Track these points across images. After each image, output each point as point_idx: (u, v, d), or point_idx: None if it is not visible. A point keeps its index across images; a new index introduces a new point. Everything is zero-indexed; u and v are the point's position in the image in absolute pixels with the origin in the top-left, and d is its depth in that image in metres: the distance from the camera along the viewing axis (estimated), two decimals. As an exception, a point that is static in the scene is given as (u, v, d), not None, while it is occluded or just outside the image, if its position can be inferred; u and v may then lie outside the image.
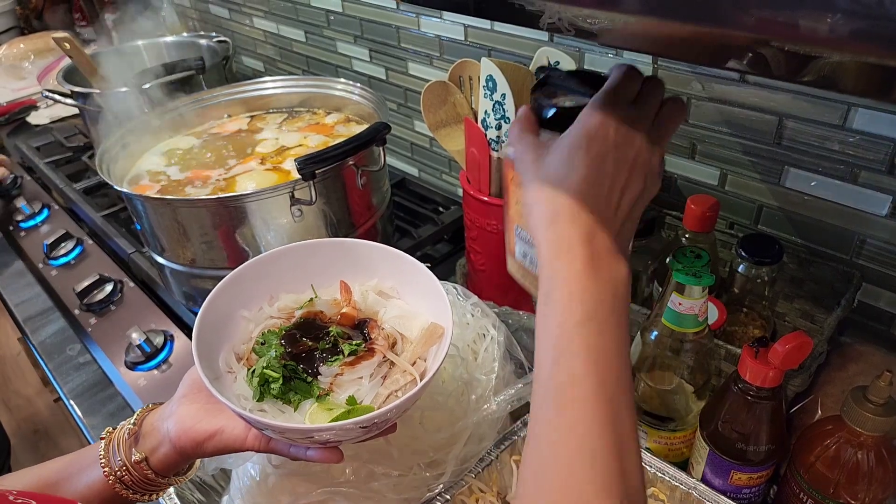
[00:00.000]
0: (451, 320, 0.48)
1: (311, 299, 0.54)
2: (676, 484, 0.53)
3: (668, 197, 0.83)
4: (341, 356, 0.49)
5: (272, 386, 0.47)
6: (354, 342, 0.50)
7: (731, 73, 0.69)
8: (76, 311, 0.99)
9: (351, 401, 0.47)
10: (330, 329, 0.52)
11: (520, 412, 0.63)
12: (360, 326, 0.53)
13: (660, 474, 0.54)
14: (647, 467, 0.55)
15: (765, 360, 0.48)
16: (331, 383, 0.48)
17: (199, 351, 0.46)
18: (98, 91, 1.04)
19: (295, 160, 0.67)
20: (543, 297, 0.35)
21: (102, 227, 1.12)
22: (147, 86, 0.99)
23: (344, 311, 0.53)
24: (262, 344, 0.51)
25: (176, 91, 1.01)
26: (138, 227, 0.88)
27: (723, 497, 0.51)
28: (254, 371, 0.48)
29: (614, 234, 0.35)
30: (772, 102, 0.67)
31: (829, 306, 0.68)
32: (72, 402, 0.87)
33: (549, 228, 0.35)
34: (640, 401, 0.60)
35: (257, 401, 0.47)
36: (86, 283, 0.98)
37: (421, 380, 0.47)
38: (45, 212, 1.22)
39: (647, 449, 0.60)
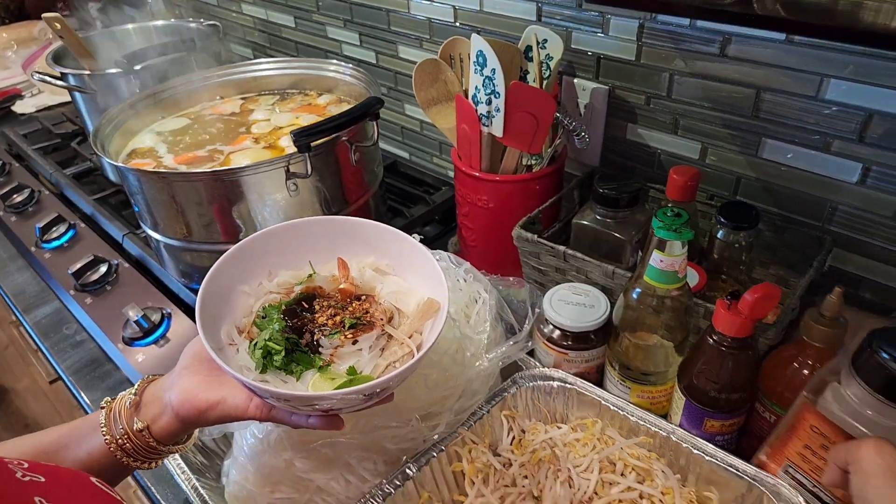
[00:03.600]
0: (447, 297, 0.50)
1: (310, 275, 0.56)
2: (656, 430, 0.57)
3: (652, 171, 0.86)
4: (341, 329, 0.51)
5: (275, 358, 0.49)
6: (354, 316, 0.52)
7: (712, 49, 0.72)
8: (71, 292, 1.00)
9: (351, 371, 0.49)
10: (330, 303, 0.54)
11: (510, 371, 0.65)
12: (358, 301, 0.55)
13: (642, 422, 0.58)
14: (630, 417, 0.59)
15: (736, 311, 0.51)
16: (331, 355, 0.50)
17: (202, 323, 0.48)
18: (89, 73, 1.04)
19: (291, 132, 0.69)
20: None
21: (95, 210, 1.13)
22: (139, 67, 1.00)
23: (342, 286, 0.55)
24: (264, 318, 0.53)
25: (167, 73, 1.02)
26: (135, 209, 0.89)
27: (698, 438, 0.54)
28: (256, 343, 0.50)
29: None
30: (750, 76, 0.70)
31: (802, 271, 0.71)
32: (70, 378, 0.88)
33: None
34: (623, 357, 0.63)
35: (260, 372, 0.49)
36: (81, 264, 0.99)
37: (418, 352, 0.49)
38: (36, 197, 1.22)
39: (632, 403, 0.63)
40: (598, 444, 0.59)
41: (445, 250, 0.97)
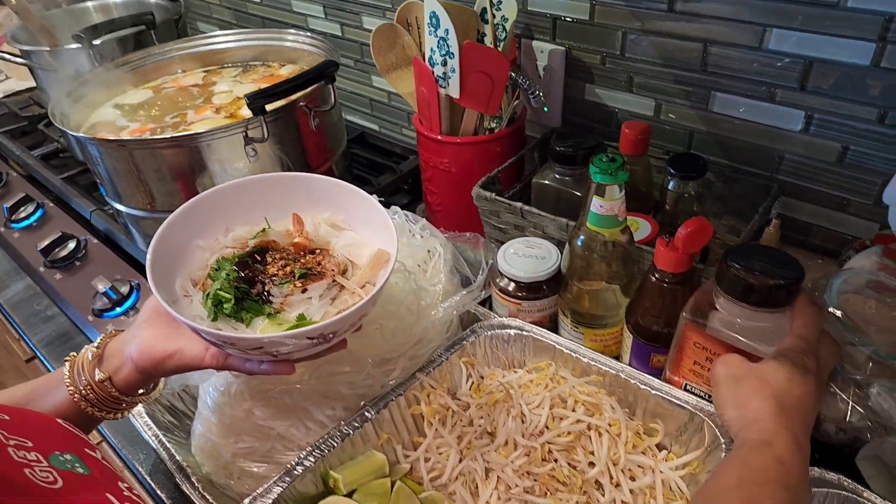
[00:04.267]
0: (396, 248, 0.52)
1: (264, 229, 0.57)
2: (606, 369, 0.59)
3: (611, 130, 0.88)
4: (291, 278, 0.52)
5: (225, 306, 0.50)
6: (305, 265, 0.53)
7: (661, 5, 0.73)
8: (41, 269, 1.00)
9: (300, 318, 0.50)
10: (282, 255, 0.55)
11: (469, 321, 0.67)
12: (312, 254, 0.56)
13: (593, 363, 0.60)
14: (582, 358, 0.61)
15: (673, 247, 0.53)
16: (281, 303, 0.51)
17: (154, 276, 0.49)
18: (49, 49, 1.03)
19: (244, 95, 0.70)
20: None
21: (62, 188, 1.13)
22: (98, 42, 1.00)
23: (296, 240, 0.56)
24: (217, 270, 0.54)
25: (128, 47, 1.02)
26: (99, 183, 0.89)
27: (645, 375, 0.57)
28: (208, 294, 0.51)
29: (801, 445, 0.43)
30: (697, 31, 0.72)
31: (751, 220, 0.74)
32: (42, 351, 0.89)
33: (773, 419, 0.43)
34: (573, 304, 0.65)
35: (212, 320, 0.50)
36: (49, 240, 0.99)
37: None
38: (4, 179, 1.21)
39: (587, 348, 0.65)
40: (551, 384, 0.61)
41: (413, 217, 0.99)
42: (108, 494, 0.42)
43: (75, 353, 0.55)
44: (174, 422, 0.68)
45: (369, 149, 1.20)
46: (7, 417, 0.43)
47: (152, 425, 0.63)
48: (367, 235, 0.57)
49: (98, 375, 0.52)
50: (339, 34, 1.19)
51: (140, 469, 0.68)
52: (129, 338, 0.53)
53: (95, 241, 1.03)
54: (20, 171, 1.25)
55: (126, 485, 0.45)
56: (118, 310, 0.89)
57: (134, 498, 0.43)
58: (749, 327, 0.50)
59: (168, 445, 0.61)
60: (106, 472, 0.45)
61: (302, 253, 0.56)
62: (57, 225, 1.08)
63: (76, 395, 0.52)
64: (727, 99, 0.74)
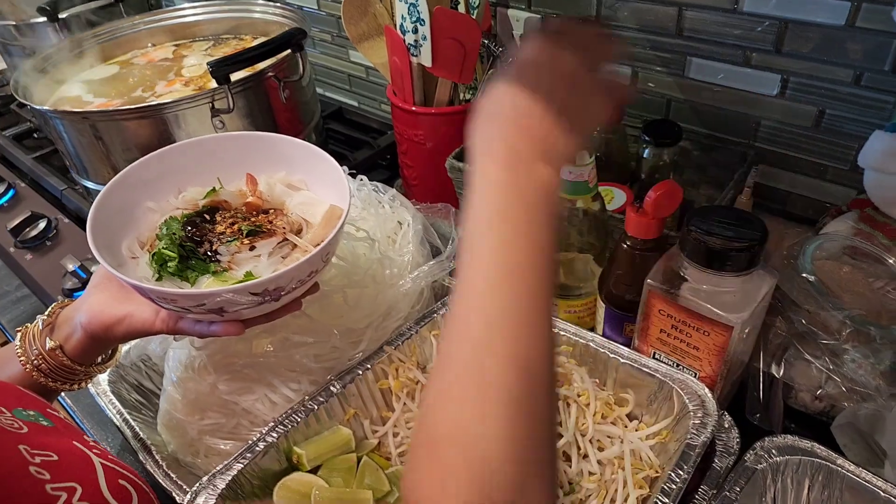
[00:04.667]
0: (349, 202, 0.50)
1: (215, 188, 0.55)
2: (577, 339, 0.58)
3: (587, 100, 0.86)
4: (239, 235, 0.51)
5: (169, 265, 0.48)
6: (255, 224, 0.52)
7: (635, -32, 0.71)
8: (11, 250, 0.98)
9: (248, 276, 0.49)
10: (232, 214, 0.53)
11: (443, 293, 0.66)
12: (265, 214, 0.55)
13: (563, 333, 0.59)
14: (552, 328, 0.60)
15: (644, 213, 0.52)
16: (229, 261, 0.50)
17: (96, 239, 0.47)
18: (14, 23, 1.00)
19: (207, 63, 0.67)
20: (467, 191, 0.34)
21: (34, 168, 1.11)
22: (64, 15, 0.97)
23: (249, 200, 0.55)
24: (165, 231, 0.52)
25: (95, 21, 0.99)
26: (65, 159, 0.87)
27: (613, 343, 0.56)
28: (154, 254, 0.50)
29: (543, 144, 0.34)
30: (672, -7, 0.70)
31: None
32: (12, 333, 0.87)
33: (480, 128, 0.35)
34: (548, 274, 0.64)
35: (157, 280, 0.48)
36: (18, 220, 0.97)
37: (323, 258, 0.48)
38: (-27, 160, 1.19)
39: (561, 319, 0.64)
40: (522, 356, 0.60)
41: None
42: (74, 442, 0.42)
43: (29, 325, 0.54)
44: (141, 400, 0.67)
45: (347, 124, 1.17)
46: None
47: (116, 403, 0.62)
48: (324, 194, 0.56)
49: (49, 344, 0.51)
50: (316, 7, 1.16)
51: (108, 449, 0.67)
52: (79, 304, 0.51)
53: (66, 220, 1.01)
54: (-9, 153, 1.23)
55: (92, 439, 0.44)
56: (89, 289, 0.87)
57: (101, 449, 0.43)
58: (715, 292, 0.49)
59: (133, 423, 0.60)
60: (70, 427, 0.45)
61: (254, 213, 0.54)
62: (28, 205, 1.06)
63: (28, 366, 0.51)
64: (703, 64, 0.72)
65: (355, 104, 1.25)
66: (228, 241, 0.50)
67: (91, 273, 0.88)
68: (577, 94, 0.36)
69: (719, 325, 0.48)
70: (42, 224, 0.98)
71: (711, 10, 0.68)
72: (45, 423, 0.42)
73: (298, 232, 0.52)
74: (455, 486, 0.27)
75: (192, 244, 0.50)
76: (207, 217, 0.53)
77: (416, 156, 0.88)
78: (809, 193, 0.73)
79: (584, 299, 0.64)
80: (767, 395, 0.56)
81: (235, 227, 0.51)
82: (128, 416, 0.61)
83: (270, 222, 0.53)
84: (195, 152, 0.56)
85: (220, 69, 0.67)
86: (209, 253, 0.50)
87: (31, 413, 0.43)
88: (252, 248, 0.50)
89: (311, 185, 0.56)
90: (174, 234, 0.50)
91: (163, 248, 0.49)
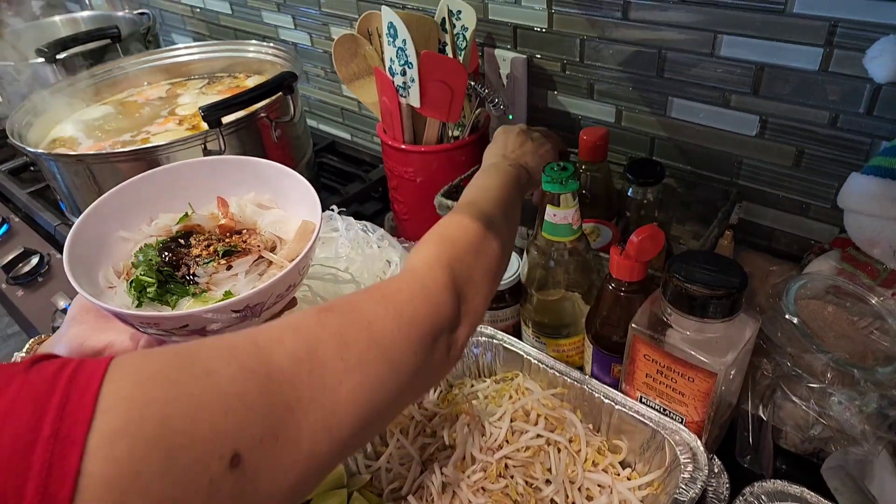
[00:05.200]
0: (321, 217, 0.51)
1: (187, 213, 0.56)
2: (572, 381, 0.58)
3: (573, 137, 0.87)
4: (216, 257, 0.51)
5: (148, 290, 0.49)
6: (230, 244, 0.52)
7: (616, 12, 0.74)
8: (3, 286, 0.98)
9: (227, 294, 0.49)
10: (206, 237, 0.54)
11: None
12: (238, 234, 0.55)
13: (559, 375, 0.59)
14: (549, 370, 0.60)
15: (627, 255, 0.53)
16: (207, 282, 0.50)
17: (73, 270, 0.47)
18: (12, 63, 1.02)
19: (199, 108, 0.69)
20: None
21: (28, 204, 1.11)
22: (62, 56, 0.99)
23: (221, 222, 0.55)
24: (140, 258, 0.53)
25: (92, 61, 1.01)
26: (60, 202, 0.88)
27: (609, 389, 0.56)
28: (132, 282, 0.50)
29: (521, 161, 0.63)
30: (652, 37, 0.72)
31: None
32: (0, 371, 0.87)
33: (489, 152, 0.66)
34: (534, 314, 0.65)
35: (137, 307, 0.49)
36: (10, 257, 0.97)
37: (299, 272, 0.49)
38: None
39: (552, 357, 0.64)
40: (515, 395, 0.60)
41: (382, 227, 0.98)
42: None
43: (4, 363, 0.53)
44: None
45: (339, 157, 1.19)
46: None
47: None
48: (295, 212, 0.56)
49: None
50: (309, 44, 1.19)
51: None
52: (57, 338, 0.51)
53: (59, 255, 1.01)
54: (-15, 188, 1.23)
55: None
56: (80, 327, 0.87)
57: None
58: (698, 338, 0.49)
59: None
60: None
61: (228, 234, 0.55)
62: (22, 240, 1.07)
63: None
64: (684, 104, 0.74)
65: (348, 137, 1.27)
66: (205, 263, 0.51)
67: (81, 310, 0.88)
68: (537, 144, 0.66)
69: (703, 371, 0.49)
70: (35, 260, 0.98)
71: (690, 53, 0.70)
72: None
73: (272, 249, 0.53)
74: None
75: (169, 269, 0.50)
76: (182, 242, 0.54)
77: (406, 191, 0.89)
78: (793, 230, 0.74)
79: (571, 339, 0.65)
80: (757, 437, 0.56)
81: (211, 248, 0.52)
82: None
83: (245, 241, 0.53)
84: (164, 180, 0.57)
85: (212, 113, 0.68)
86: (187, 276, 0.51)
87: None
88: (229, 268, 0.51)
89: (281, 203, 0.57)
90: (151, 260, 0.51)
91: (140, 274, 0.49)
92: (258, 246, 0.52)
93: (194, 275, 0.50)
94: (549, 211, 0.56)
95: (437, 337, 0.39)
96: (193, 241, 0.53)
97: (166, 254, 0.51)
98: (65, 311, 0.86)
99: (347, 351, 0.34)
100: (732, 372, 0.50)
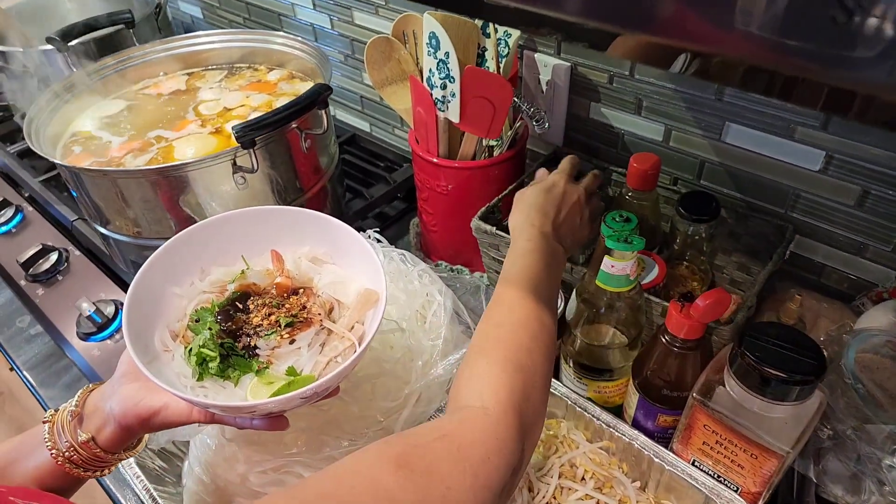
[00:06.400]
0: (385, 284, 0.49)
1: (243, 271, 0.54)
2: (620, 435, 0.57)
3: (616, 153, 0.84)
4: (277, 328, 0.49)
5: (210, 365, 0.47)
6: (290, 313, 0.50)
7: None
8: (22, 283, 0.96)
9: (291, 371, 0.48)
10: (265, 301, 0.52)
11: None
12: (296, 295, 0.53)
13: (605, 427, 0.58)
14: (595, 420, 0.59)
15: (688, 314, 0.50)
16: (269, 356, 0.49)
17: (130, 333, 0.46)
18: (21, 49, 0.96)
19: (232, 128, 0.65)
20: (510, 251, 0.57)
21: (41, 193, 1.08)
22: (73, 43, 0.93)
23: (278, 280, 0.53)
24: (197, 321, 0.51)
25: (105, 48, 0.95)
26: (74, 194, 0.85)
27: (659, 447, 0.55)
28: (191, 350, 0.48)
29: (554, 234, 0.58)
30: (714, 58, 0.67)
31: (764, 259, 0.71)
32: (26, 374, 0.86)
33: (518, 222, 0.59)
34: (577, 356, 0.63)
35: (197, 380, 0.47)
36: (29, 254, 0.95)
37: (360, 345, 0.48)
38: (-22, 178, 1.16)
39: (589, 399, 0.63)
40: (562, 448, 0.59)
41: (407, 229, 0.95)
42: None
43: (54, 411, 0.52)
44: (164, 466, 0.66)
45: (361, 152, 1.14)
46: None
47: (141, 475, 0.61)
48: (350, 269, 0.54)
49: (81, 436, 0.49)
50: (329, 27, 1.12)
51: (130, 513, 0.66)
52: (108, 393, 0.50)
53: (77, 252, 0.99)
54: (-5, 170, 1.20)
55: None
56: (104, 333, 0.86)
57: None
58: (762, 415, 0.47)
59: (160, 500, 0.59)
60: None
61: (285, 295, 0.53)
62: (36, 233, 1.04)
63: (59, 458, 0.49)
64: (742, 131, 0.70)
65: (367, 127, 1.22)
66: (267, 335, 0.49)
67: (106, 317, 0.86)
68: (574, 214, 0.61)
69: (769, 451, 0.47)
70: (53, 257, 0.96)
71: (756, 80, 0.65)
72: None
73: (330, 312, 0.51)
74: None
75: (230, 340, 0.48)
76: (240, 305, 0.52)
77: (436, 204, 0.85)
78: (846, 269, 0.71)
79: (616, 382, 0.63)
80: (801, 495, 0.56)
81: (272, 317, 0.50)
82: (154, 493, 0.60)
83: (304, 307, 0.51)
84: (214, 230, 0.54)
85: (247, 134, 0.64)
86: (248, 348, 0.49)
87: None
88: (292, 342, 0.49)
89: (336, 257, 0.55)
90: (210, 329, 0.49)
91: (201, 346, 0.48)
92: (319, 314, 0.50)
93: (255, 346, 0.48)
94: (607, 262, 0.54)
95: (503, 490, 0.40)
96: (252, 306, 0.51)
97: (223, 320, 0.49)
98: (89, 318, 0.85)
99: None
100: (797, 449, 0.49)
